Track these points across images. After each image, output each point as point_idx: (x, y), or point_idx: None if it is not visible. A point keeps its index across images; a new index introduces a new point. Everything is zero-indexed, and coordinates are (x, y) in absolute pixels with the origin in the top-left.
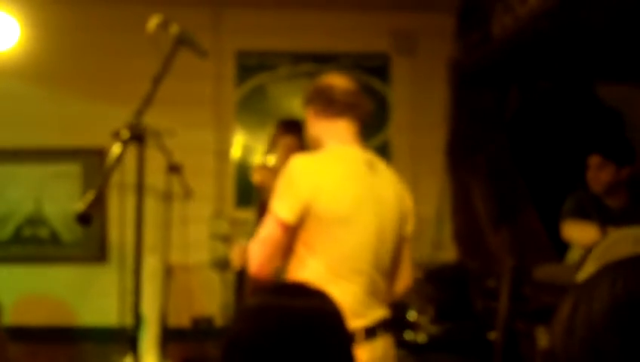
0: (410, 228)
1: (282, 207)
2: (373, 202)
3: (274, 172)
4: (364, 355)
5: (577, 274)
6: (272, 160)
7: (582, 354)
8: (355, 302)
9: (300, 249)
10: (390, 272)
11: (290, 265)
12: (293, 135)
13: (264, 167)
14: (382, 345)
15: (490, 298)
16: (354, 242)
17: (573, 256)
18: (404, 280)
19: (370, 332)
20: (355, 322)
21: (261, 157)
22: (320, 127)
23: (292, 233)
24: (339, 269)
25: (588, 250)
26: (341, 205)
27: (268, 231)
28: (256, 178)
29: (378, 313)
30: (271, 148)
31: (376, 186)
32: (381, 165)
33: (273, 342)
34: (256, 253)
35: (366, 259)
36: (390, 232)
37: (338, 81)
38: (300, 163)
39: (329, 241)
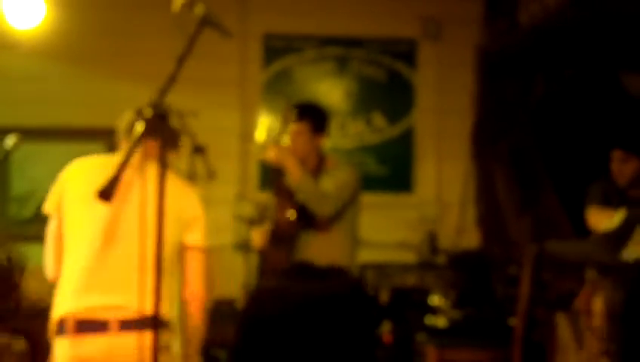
0: (195, 237)
1: (46, 202)
2: (119, 202)
3: (287, 151)
4: (68, 349)
5: (623, 253)
6: (286, 140)
7: None
8: (73, 292)
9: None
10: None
11: None
12: (304, 121)
13: (277, 145)
14: (100, 346)
15: (511, 285)
16: (78, 238)
17: None
18: (190, 287)
19: (85, 327)
20: (66, 309)
21: (264, 133)
22: None
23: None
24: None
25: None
26: (76, 201)
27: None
28: (271, 155)
29: (110, 313)
30: (282, 129)
31: (132, 189)
32: (154, 173)
33: (290, 324)
34: (48, 255)
35: (87, 254)
36: (131, 234)
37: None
38: (70, 165)
39: (67, 234)
